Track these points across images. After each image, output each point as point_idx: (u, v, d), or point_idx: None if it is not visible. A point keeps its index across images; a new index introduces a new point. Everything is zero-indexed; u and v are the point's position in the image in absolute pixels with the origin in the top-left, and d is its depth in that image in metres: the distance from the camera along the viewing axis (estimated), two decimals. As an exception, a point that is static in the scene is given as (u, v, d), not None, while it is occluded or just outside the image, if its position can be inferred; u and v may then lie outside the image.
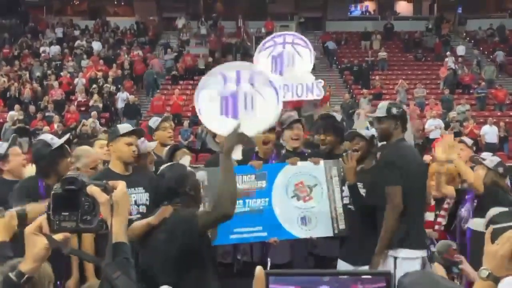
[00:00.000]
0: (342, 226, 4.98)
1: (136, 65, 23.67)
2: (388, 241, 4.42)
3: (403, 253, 4.43)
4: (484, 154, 5.66)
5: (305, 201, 5.05)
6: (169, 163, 4.07)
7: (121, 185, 2.02)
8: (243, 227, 4.86)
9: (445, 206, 5.33)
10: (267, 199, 5.02)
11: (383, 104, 4.73)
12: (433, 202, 5.64)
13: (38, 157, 4.51)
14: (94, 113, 18.61)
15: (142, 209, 4.56)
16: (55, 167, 4.42)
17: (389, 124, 4.61)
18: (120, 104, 20.90)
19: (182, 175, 3.78)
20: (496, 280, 1.94)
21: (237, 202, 4.65)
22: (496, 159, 5.36)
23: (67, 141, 4.75)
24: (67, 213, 1.90)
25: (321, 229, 5.01)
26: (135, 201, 4.55)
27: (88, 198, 1.92)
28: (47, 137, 4.71)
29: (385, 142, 4.77)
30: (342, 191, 5.01)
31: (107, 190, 1.95)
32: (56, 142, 4.52)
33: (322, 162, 5.08)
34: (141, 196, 4.59)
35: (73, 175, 1.93)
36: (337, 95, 22.17)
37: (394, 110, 4.62)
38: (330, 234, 4.98)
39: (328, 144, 5.24)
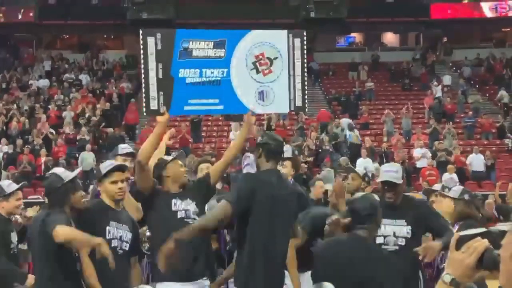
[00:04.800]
0: (299, 103, 4.93)
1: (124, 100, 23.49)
2: None
3: None
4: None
5: (264, 74, 4.88)
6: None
7: None
8: (198, 98, 4.69)
9: None
10: (225, 70, 4.79)
11: None
12: None
13: (51, 190, 4.47)
14: (88, 146, 18.61)
15: (125, 246, 4.54)
16: (67, 200, 4.40)
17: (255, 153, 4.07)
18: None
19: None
20: (458, 286, 2.01)
21: (193, 71, 4.64)
22: (459, 188, 5.35)
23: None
24: None
25: (278, 105, 4.92)
26: (121, 237, 4.52)
27: None
28: (58, 170, 4.70)
29: None
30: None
31: None
32: (69, 175, 4.49)
33: (285, 31, 4.98)
34: (126, 234, 4.57)
35: None
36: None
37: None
38: (286, 110, 5.04)
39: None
